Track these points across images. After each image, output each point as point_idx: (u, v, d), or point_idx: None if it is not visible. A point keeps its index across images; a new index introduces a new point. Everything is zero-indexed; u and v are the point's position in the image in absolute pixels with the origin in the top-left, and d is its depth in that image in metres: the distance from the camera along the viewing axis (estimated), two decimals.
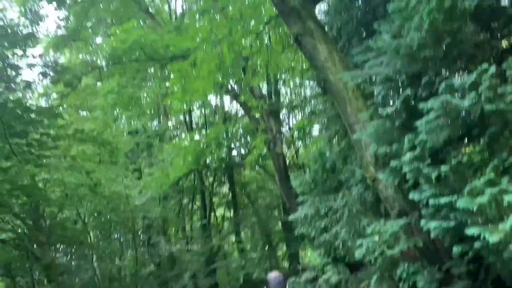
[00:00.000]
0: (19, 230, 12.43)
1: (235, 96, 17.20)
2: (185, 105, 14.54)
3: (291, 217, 12.28)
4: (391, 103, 6.73)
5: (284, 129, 21.27)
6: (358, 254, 7.61)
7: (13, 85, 8.10)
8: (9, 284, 15.84)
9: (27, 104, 8.65)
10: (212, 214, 24.96)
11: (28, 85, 8.57)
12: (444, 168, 5.34)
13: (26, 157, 8.29)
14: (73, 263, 20.20)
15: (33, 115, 8.31)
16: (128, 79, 15.27)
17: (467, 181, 5.25)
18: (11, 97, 7.91)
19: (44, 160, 9.53)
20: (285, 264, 21.75)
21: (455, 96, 5.20)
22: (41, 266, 14.43)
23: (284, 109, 21.92)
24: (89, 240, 18.95)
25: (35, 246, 14.16)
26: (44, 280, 14.66)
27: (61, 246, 19.21)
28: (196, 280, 19.26)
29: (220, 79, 13.49)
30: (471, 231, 4.80)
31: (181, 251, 19.67)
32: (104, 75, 16.69)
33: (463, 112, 5.21)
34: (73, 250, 19.83)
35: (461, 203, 4.93)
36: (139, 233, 20.60)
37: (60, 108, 14.36)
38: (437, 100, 5.25)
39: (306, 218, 11.44)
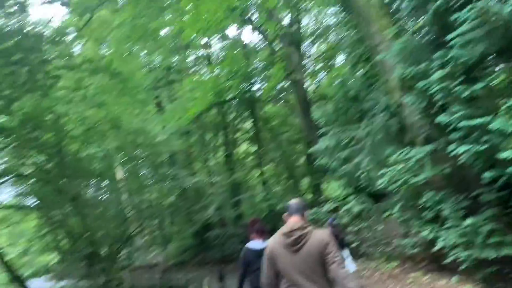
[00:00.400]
0: (44, 165, 12.67)
1: (253, 26, 16.35)
2: (198, 33, 13.76)
3: (312, 149, 12.02)
4: (420, 18, 6.05)
5: (306, 61, 20.47)
6: (380, 183, 7.35)
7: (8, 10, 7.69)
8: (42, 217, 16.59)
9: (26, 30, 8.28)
10: (236, 149, 25.02)
11: (21, 7, 8.14)
12: (477, 86, 4.81)
13: (29, 87, 8.06)
14: (103, 197, 20.90)
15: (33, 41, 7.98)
16: (142, 9, 14.57)
17: (503, 100, 4.74)
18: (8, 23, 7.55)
19: (56, 92, 9.32)
20: (308, 196, 21.91)
21: (493, 2, 4.52)
22: (68, 199, 14.90)
23: (306, 41, 20.94)
24: (116, 175, 19.40)
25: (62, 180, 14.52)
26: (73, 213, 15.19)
27: (90, 181, 19.75)
28: (221, 211, 19.67)
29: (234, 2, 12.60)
30: (505, 154, 4.37)
31: (205, 184, 19.95)
32: (118, 7, 16.05)
33: (503, 21, 4.56)
34: (102, 185, 20.42)
35: (496, 124, 4.46)
36: (163, 166, 20.89)
37: (77, 42, 13.99)
38: (473, 8, 4.60)
39: (328, 149, 11.15)
